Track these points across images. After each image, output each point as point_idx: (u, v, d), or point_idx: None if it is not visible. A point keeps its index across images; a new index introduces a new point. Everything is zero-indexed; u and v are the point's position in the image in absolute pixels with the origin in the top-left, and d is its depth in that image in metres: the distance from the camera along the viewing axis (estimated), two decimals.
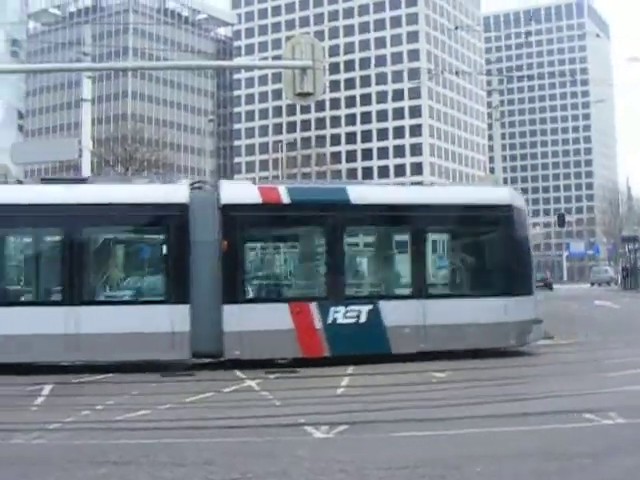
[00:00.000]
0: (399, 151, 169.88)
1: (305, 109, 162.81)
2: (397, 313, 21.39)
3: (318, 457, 10.78)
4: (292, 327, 20.83)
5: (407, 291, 22.38)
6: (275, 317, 20.79)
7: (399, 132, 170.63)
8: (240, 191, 22.09)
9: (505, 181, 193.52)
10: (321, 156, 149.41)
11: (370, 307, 21.26)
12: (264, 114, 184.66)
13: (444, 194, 23.53)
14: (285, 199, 21.43)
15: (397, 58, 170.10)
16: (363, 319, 21.17)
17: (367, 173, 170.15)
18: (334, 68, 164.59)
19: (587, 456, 10.50)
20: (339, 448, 11.41)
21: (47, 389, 17.71)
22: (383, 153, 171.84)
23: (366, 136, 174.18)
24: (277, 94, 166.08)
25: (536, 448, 10.97)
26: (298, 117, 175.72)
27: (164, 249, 21.52)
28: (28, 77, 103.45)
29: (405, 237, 22.57)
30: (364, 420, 13.37)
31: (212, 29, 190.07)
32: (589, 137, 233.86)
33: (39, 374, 20.27)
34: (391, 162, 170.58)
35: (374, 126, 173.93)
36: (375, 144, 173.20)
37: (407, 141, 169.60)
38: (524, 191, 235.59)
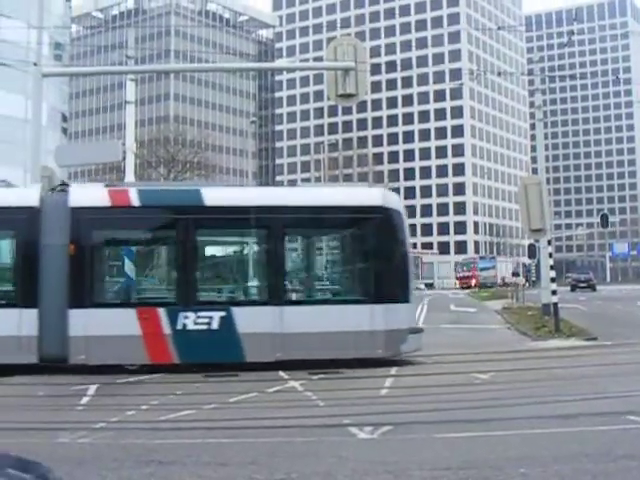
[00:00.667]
0: (441, 152, 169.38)
1: (347, 110, 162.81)
2: (252, 320, 20.50)
3: (362, 458, 10.80)
4: (139, 333, 20.27)
5: (263, 297, 21.42)
6: (122, 322, 20.29)
7: (441, 133, 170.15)
8: (88, 194, 21.56)
9: (548, 181, 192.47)
10: (363, 157, 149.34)
11: (223, 313, 20.49)
12: (305, 115, 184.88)
13: (308, 195, 22.21)
14: (135, 202, 20.91)
15: (439, 59, 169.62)
16: (215, 326, 20.40)
17: (409, 174, 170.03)
18: (375, 69, 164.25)
19: (631, 458, 10.43)
20: (383, 449, 11.42)
21: (92, 389, 17.85)
22: (425, 154, 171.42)
23: (408, 137, 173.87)
24: (318, 95, 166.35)
25: (579, 450, 10.93)
26: (340, 118, 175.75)
27: (14, 252, 21.19)
28: (72, 80, 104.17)
29: (262, 240, 21.72)
30: (408, 421, 13.37)
31: (253, 31, 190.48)
32: (632, 137, 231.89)
33: (84, 374, 20.50)
34: (433, 163, 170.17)
35: (416, 127, 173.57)
36: (417, 145, 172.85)
37: (449, 142, 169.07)
38: (567, 191, 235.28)
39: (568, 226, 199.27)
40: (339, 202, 21.02)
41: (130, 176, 33.19)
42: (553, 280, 32.19)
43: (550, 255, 33.29)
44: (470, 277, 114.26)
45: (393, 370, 20.32)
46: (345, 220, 21.46)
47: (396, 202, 21.61)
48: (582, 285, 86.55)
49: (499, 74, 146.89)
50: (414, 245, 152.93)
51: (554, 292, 31.36)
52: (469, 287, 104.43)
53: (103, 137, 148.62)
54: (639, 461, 10.30)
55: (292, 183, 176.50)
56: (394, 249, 20.94)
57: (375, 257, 20.65)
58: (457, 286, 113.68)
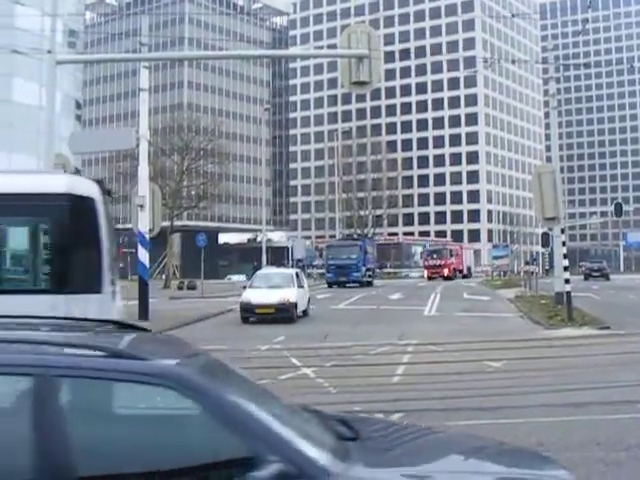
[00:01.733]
0: (455, 140, 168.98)
1: (360, 98, 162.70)
2: None
3: None
4: None
5: None
6: None
7: (455, 121, 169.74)
8: None
9: (562, 170, 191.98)
10: (376, 145, 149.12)
11: None
12: (319, 103, 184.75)
13: None
14: None
15: (453, 46, 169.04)
16: None
17: (423, 162, 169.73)
18: (389, 57, 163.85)
19: None
20: None
21: None
22: (439, 142, 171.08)
23: (422, 125, 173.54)
24: (332, 83, 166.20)
25: (590, 438, 10.97)
26: (353, 106, 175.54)
27: None
28: (85, 67, 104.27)
29: None
30: (419, 408, 13.40)
31: (267, 18, 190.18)
32: None
33: None
34: (447, 151, 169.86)
35: (430, 115, 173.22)
36: (431, 133, 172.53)
37: (463, 130, 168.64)
38: (581, 180, 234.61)
39: (582, 215, 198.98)
40: (20, 189, 19.04)
41: (144, 164, 33.29)
42: (566, 269, 32.12)
43: (563, 244, 33.20)
44: (441, 266, 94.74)
45: (405, 358, 20.38)
46: (27, 208, 19.27)
47: (87, 189, 19.47)
48: (595, 274, 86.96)
49: (513, 62, 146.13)
50: (426, 233, 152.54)
51: (567, 281, 31.31)
52: (443, 277, 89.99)
53: (117, 125, 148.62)
54: None
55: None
56: (82, 237, 19.18)
57: (59, 246, 18.98)
58: (425, 277, 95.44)
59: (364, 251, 75.81)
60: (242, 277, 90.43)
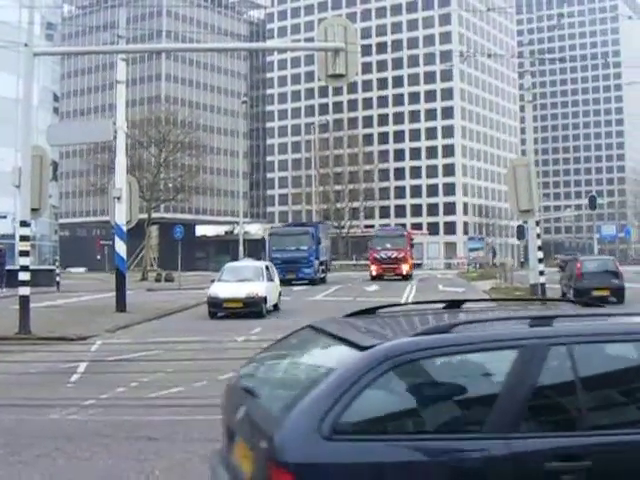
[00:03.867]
0: (431, 133, 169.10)
1: (337, 91, 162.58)
2: None
3: None
4: None
5: None
6: None
7: (431, 114, 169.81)
8: None
9: (537, 163, 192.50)
10: (353, 138, 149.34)
11: None
12: (296, 96, 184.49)
13: None
14: None
15: (429, 40, 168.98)
16: None
17: (399, 155, 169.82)
18: (366, 50, 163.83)
19: None
20: None
21: (82, 367, 18.03)
22: (415, 135, 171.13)
23: (398, 118, 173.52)
24: (309, 76, 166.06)
25: None
26: (330, 99, 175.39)
27: None
28: (63, 60, 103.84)
29: None
30: None
31: (245, 11, 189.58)
32: (621, 120, 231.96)
33: (75, 352, 20.68)
34: (423, 144, 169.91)
35: (406, 108, 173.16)
36: (407, 126, 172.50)
37: (439, 123, 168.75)
38: (556, 174, 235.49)
39: (557, 208, 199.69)
40: None
41: (121, 156, 33.32)
42: (541, 261, 32.44)
43: (538, 236, 33.50)
44: (398, 260, 66.61)
45: None
46: None
47: None
48: None
49: (489, 56, 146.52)
50: (403, 226, 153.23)
51: (541, 272, 31.60)
52: (401, 277, 65.39)
53: (95, 117, 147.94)
54: None
55: (282, 163, 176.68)
56: None
57: None
58: (373, 274, 66.62)
59: (316, 240, 61.36)
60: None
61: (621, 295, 32.36)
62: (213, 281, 34.04)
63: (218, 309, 31.38)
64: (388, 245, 66.68)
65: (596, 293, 31.44)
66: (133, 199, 33.67)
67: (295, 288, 51.62)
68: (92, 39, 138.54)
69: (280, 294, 35.52)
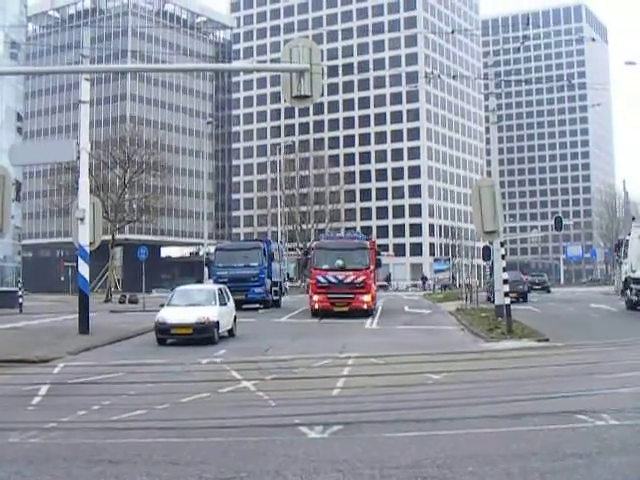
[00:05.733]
0: (397, 154, 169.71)
1: (303, 112, 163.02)
2: None
3: (312, 457, 10.86)
4: None
5: None
6: None
7: (397, 135, 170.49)
8: None
9: (503, 184, 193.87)
10: (319, 159, 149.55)
11: None
12: (262, 117, 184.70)
13: None
14: None
15: (395, 61, 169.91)
16: None
17: (365, 176, 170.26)
18: (332, 71, 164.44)
19: (579, 457, 10.59)
20: (333, 448, 11.48)
21: (44, 389, 17.81)
22: (381, 156, 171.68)
23: (364, 139, 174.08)
24: (275, 97, 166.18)
25: (528, 448, 11.07)
26: (296, 120, 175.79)
27: None
28: (27, 79, 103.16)
29: None
30: (358, 420, 13.46)
31: (211, 32, 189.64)
32: (587, 141, 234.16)
33: (38, 374, 20.42)
34: (389, 165, 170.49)
35: (372, 129, 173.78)
36: (373, 147, 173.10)
37: (405, 144, 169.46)
38: (522, 195, 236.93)
39: (523, 229, 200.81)
40: None
41: (84, 176, 33.07)
42: (506, 282, 32.43)
43: (503, 257, 33.52)
44: (358, 286, 43.67)
45: (345, 371, 20.44)
46: None
47: None
48: (537, 287, 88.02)
49: (454, 77, 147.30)
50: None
51: (507, 294, 31.61)
52: (363, 312, 43.45)
53: (59, 137, 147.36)
54: (587, 459, 10.45)
55: (247, 184, 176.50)
56: None
57: None
58: (315, 307, 44.10)
59: (268, 257, 54.27)
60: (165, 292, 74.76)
61: (524, 297, 40.39)
62: (162, 305, 32.65)
63: (166, 335, 29.44)
64: (340, 262, 43.14)
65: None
66: (97, 220, 33.41)
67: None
68: (57, 58, 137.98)
69: (235, 319, 33.41)
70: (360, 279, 43.24)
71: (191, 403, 15.66)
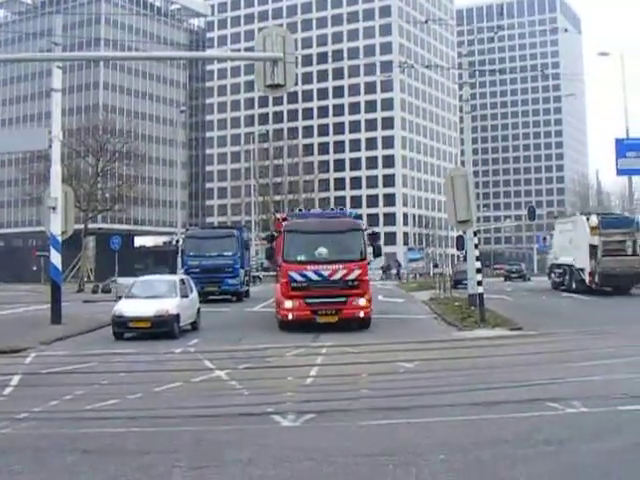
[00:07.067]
0: (371, 143, 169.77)
1: (277, 101, 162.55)
2: None
3: (284, 445, 10.89)
4: None
5: None
6: None
7: (371, 124, 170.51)
8: None
9: (477, 174, 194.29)
10: (293, 148, 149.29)
11: None
12: (236, 105, 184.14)
13: None
14: None
15: (370, 51, 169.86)
16: None
17: (339, 165, 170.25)
18: (307, 60, 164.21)
19: (550, 443, 10.67)
20: (306, 436, 11.53)
21: (16, 379, 17.72)
22: (355, 145, 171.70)
23: (338, 128, 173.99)
24: (249, 86, 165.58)
25: (500, 436, 11.14)
26: (270, 109, 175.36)
27: None
28: None
29: None
30: (331, 409, 13.49)
31: (185, 20, 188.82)
32: (560, 131, 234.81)
33: (9, 364, 20.32)
34: (363, 154, 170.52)
35: (347, 118, 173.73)
36: (347, 136, 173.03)
37: (379, 134, 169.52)
38: (496, 184, 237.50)
39: (497, 218, 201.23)
40: None
41: (56, 165, 32.87)
42: (479, 271, 32.53)
43: (476, 246, 33.60)
44: (350, 285, 29.85)
45: (319, 359, 20.47)
46: None
47: None
48: (514, 275, 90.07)
49: (428, 67, 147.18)
50: None
51: (479, 283, 31.71)
52: (353, 320, 30.24)
53: (30, 125, 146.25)
54: (557, 446, 10.54)
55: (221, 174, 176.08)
56: None
57: None
58: (288, 318, 29.80)
59: (242, 245, 51.45)
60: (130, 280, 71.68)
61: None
62: (120, 297, 31.23)
63: (124, 329, 27.82)
64: (323, 251, 30.20)
65: (464, 282, 42.49)
66: (69, 209, 33.21)
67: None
68: (29, 46, 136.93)
69: (199, 311, 31.76)
70: (354, 275, 29.82)
71: (164, 392, 15.64)
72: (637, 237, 48.60)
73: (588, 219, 49.58)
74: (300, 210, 34.99)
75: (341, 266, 29.68)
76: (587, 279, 48.49)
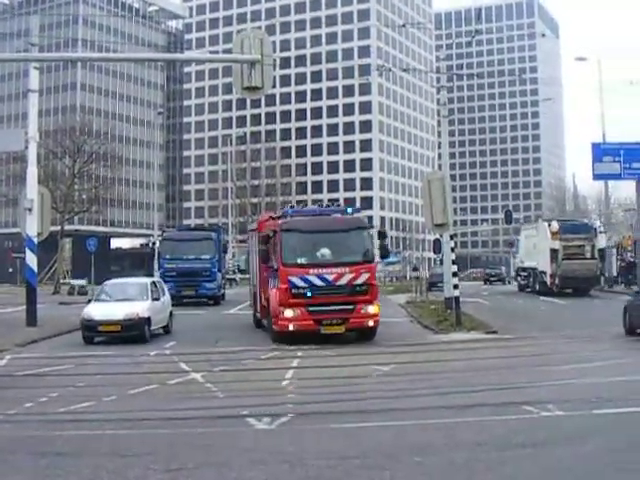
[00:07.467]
0: (349, 147, 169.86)
1: (255, 103, 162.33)
2: None
3: (259, 448, 10.88)
4: None
5: None
6: None
7: (349, 128, 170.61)
8: None
9: (454, 177, 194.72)
10: (270, 150, 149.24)
11: None
12: (214, 108, 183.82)
13: None
14: None
15: (348, 54, 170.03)
16: None
17: (317, 168, 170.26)
18: (285, 63, 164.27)
19: (525, 447, 10.71)
20: (280, 439, 11.52)
21: None
22: (333, 149, 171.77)
23: (316, 131, 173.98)
24: (227, 88, 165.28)
25: (475, 439, 11.16)
26: (248, 111, 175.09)
27: None
28: None
29: None
30: (306, 412, 13.51)
31: (163, 22, 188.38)
32: (538, 135, 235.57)
33: None
34: (341, 158, 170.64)
35: (324, 121, 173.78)
36: (325, 139, 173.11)
37: (357, 137, 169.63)
38: (473, 188, 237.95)
39: (474, 222, 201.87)
40: None
41: (33, 166, 32.73)
42: (455, 274, 32.63)
43: (452, 250, 33.72)
44: (358, 290, 26.16)
45: (295, 362, 20.48)
46: None
47: None
48: (493, 279, 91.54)
49: (405, 70, 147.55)
50: None
51: (456, 286, 31.80)
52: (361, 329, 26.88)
53: (7, 126, 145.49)
54: (532, 450, 10.58)
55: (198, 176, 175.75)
56: None
57: None
58: (289, 328, 25.70)
59: (220, 248, 51.30)
60: (82, 282, 69.60)
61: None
62: (90, 301, 30.38)
63: (93, 333, 26.96)
64: (325, 252, 26.97)
65: (439, 285, 44.49)
66: (45, 211, 33.06)
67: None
68: (5, 46, 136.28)
69: (171, 314, 31.16)
70: (362, 279, 26.39)
71: (139, 395, 15.60)
72: (595, 242, 52.78)
73: (550, 225, 53.37)
74: (292, 207, 30.00)
75: (347, 269, 26.12)
76: (549, 281, 52.13)
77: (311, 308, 25.58)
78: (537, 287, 54.60)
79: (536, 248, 55.54)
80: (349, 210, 29.75)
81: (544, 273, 52.97)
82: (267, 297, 27.98)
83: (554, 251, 51.32)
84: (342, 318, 25.73)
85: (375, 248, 28.70)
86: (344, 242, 27.21)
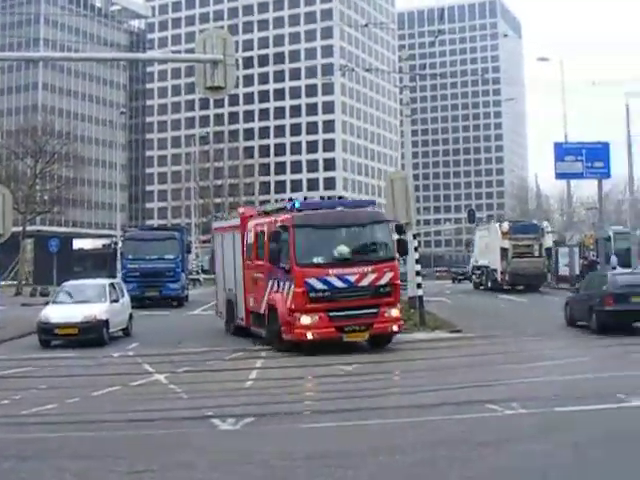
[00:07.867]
0: (312, 147, 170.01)
1: (218, 103, 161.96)
2: None
3: (223, 449, 10.89)
4: None
5: None
6: None
7: (312, 127, 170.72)
8: None
9: (417, 177, 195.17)
10: (234, 150, 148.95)
11: None
12: (177, 107, 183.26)
13: None
14: None
15: (311, 53, 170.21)
16: None
17: (280, 168, 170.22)
18: (248, 62, 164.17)
19: (488, 445, 10.76)
20: (245, 440, 11.52)
21: None
22: (296, 148, 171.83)
23: (279, 131, 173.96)
24: (190, 88, 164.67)
25: (438, 438, 11.21)
26: (211, 111, 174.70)
27: None
28: None
29: None
30: (271, 412, 13.50)
31: (125, 21, 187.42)
32: (500, 135, 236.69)
33: None
34: (304, 157, 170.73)
35: (287, 121, 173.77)
36: (288, 139, 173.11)
37: (320, 136, 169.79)
38: (436, 187, 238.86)
39: (437, 221, 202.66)
40: None
41: None
42: (418, 273, 32.72)
43: (416, 249, 33.76)
44: (382, 292, 23.23)
45: (259, 363, 20.47)
46: None
47: None
48: (461, 277, 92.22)
49: (368, 70, 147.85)
50: None
51: (419, 285, 31.88)
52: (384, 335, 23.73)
53: None
54: (495, 447, 10.65)
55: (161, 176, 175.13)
56: None
57: None
58: (308, 337, 22.17)
59: (184, 248, 50.23)
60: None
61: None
62: (47, 303, 29.87)
63: (50, 336, 26.34)
64: (343, 249, 23.37)
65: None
66: (6, 211, 32.76)
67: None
68: None
69: (131, 316, 30.47)
70: (386, 279, 23.46)
71: (103, 396, 15.54)
72: (542, 241, 56.44)
73: (501, 226, 57.11)
74: (291, 200, 25.40)
75: (369, 268, 23.15)
76: (499, 278, 55.46)
77: (332, 313, 22.54)
78: (489, 284, 57.49)
79: (488, 247, 58.50)
80: (367, 202, 28.34)
81: (495, 271, 56.08)
82: (258, 301, 25.19)
83: (504, 250, 54.54)
84: (366, 324, 22.86)
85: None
86: (363, 238, 24.82)
